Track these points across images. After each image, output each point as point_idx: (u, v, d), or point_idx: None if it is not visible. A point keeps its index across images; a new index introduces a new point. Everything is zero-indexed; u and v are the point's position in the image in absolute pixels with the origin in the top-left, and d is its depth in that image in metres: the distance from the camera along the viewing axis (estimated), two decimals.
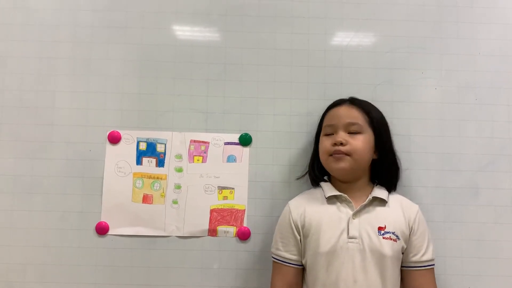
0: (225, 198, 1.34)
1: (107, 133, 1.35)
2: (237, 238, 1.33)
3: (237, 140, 1.35)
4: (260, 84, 1.37)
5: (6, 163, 1.34)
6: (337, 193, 1.17)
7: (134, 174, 1.34)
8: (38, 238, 1.32)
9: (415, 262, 1.14)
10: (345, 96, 1.25)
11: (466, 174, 1.34)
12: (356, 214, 1.14)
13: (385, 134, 1.22)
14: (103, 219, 1.32)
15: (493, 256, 1.32)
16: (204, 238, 1.33)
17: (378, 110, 1.24)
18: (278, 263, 1.19)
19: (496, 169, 1.34)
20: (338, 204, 1.17)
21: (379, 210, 1.16)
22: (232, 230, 1.33)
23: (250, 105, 1.36)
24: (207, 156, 1.35)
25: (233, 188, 1.34)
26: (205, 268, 1.32)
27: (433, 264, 1.16)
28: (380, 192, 1.18)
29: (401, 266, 1.15)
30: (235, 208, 1.33)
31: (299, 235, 1.17)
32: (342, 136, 1.17)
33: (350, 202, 1.16)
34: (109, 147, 1.35)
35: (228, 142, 1.35)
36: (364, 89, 1.36)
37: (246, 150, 1.35)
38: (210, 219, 1.33)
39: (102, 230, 1.32)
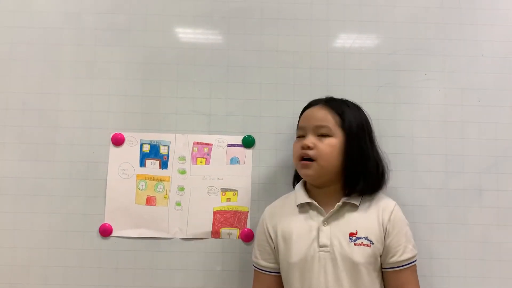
0: (228, 200, 1.34)
1: (111, 135, 1.35)
2: (241, 240, 1.33)
3: (240, 142, 1.35)
4: (263, 86, 1.37)
5: (10, 165, 1.34)
6: (307, 200, 1.13)
7: (138, 176, 1.34)
8: (41, 240, 1.32)
9: (394, 263, 1.09)
10: (349, 98, 1.24)
11: (469, 175, 1.34)
12: (326, 221, 1.11)
13: (357, 137, 1.12)
14: (107, 221, 1.32)
15: (497, 258, 1.31)
16: (207, 240, 1.33)
17: (358, 112, 1.17)
18: (256, 271, 1.20)
19: (499, 170, 1.34)
20: (310, 211, 1.14)
21: (350, 215, 1.11)
22: (235, 232, 1.33)
23: (253, 107, 1.37)
24: (210, 158, 1.35)
25: (236, 190, 1.34)
26: (208, 270, 1.32)
27: (413, 262, 1.11)
28: (351, 196, 1.12)
29: (382, 268, 1.11)
30: (238, 210, 1.33)
31: (273, 243, 1.16)
32: (310, 139, 1.12)
33: (321, 209, 1.12)
34: (113, 149, 1.35)
35: (231, 144, 1.35)
36: (367, 91, 1.36)
37: (249, 152, 1.35)
38: (213, 221, 1.33)
39: (105, 232, 1.32)
